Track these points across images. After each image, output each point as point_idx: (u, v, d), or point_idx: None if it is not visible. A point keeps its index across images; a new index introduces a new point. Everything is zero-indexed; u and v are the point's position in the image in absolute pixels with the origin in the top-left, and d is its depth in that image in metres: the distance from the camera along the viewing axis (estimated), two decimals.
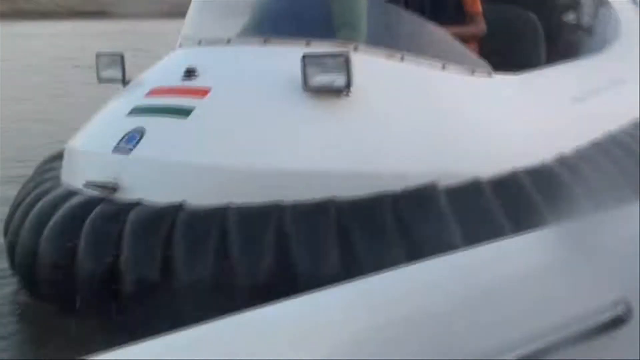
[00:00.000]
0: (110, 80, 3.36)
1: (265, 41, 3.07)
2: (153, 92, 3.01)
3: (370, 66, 2.98)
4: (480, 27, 3.90)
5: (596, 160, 3.16)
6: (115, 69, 3.34)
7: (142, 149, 2.76)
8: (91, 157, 2.91)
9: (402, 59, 3.03)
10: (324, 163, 2.65)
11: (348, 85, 2.74)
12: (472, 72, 3.17)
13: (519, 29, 4.09)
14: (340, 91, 2.78)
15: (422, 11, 4.00)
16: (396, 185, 2.65)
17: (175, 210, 2.60)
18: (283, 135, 2.72)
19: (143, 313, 2.51)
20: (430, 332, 1.12)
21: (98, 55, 3.43)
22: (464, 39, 3.84)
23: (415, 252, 2.55)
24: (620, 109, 3.55)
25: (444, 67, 3.09)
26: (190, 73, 2.99)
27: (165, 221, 2.56)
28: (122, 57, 3.33)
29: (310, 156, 2.67)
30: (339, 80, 2.73)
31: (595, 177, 3.07)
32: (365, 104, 2.82)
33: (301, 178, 2.62)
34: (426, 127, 2.86)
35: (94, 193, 2.77)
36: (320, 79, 2.75)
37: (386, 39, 3.10)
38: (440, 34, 3.24)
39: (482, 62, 3.25)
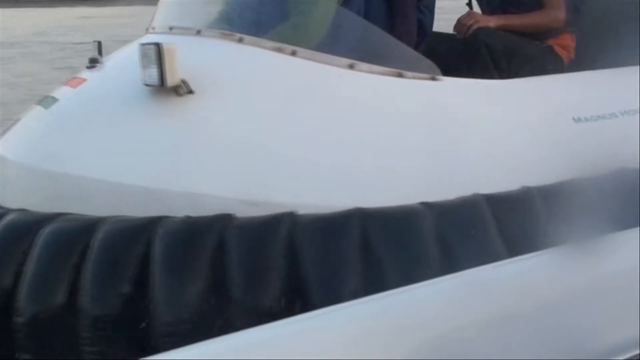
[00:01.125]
0: None
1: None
2: (67, 81, 2.87)
3: (246, 60, 2.48)
4: (552, 15, 3.03)
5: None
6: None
7: (2, 140, 2.64)
8: None
9: (293, 53, 2.45)
10: (111, 174, 2.27)
11: (161, 81, 2.30)
12: (399, 74, 2.45)
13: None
14: (176, 89, 2.35)
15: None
16: (184, 211, 2.18)
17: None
18: (96, 139, 2.39)
19: None
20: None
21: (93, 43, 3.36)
22: (537, 30, 3.04)
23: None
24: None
25: (351, 67, 2.43)
26: (92, 62, 2.79)
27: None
28: (99, 44, 3.22)
29: (100, 164, 2.30)
30: (153, 75, 2.31)
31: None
32: (203, 107, 2.35)
33: (84, 187, 2.29)
34: (271, 145, 2.28)
35: None
36: (147, 73, 2.36)
37: (278, 28, 2.54)
38: (360, 24, 2.55)
39: (427, 63, 2.49)
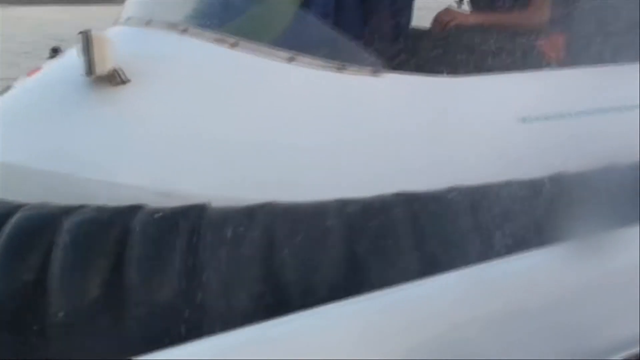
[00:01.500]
0: None
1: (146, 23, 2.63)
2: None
3: (184, 51, 2.45)
4: (534, 16, 2.92)
5: None
6: None
7: None
8: None
9: (234, 45, 2.41)
10: (37, 161, 2.27)
11: (90, 70, 2.28)
12: (340, 68, 2.38)
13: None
14: (109, 78, 2.34)
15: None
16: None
17: None
18: (27, 127, 2.39)
19: None
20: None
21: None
22: (518, 30, 2.92)
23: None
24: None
25: (291, 59, 2.37)
26: (54, 52, 2.81)
27: None
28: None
29: (27, 152, 2.31)
30: (81, 65, 2.31)
31: None
32: (133, 97, 2.33)
33: (12, 173, 2.30)
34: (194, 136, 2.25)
35: None
36: (81, 62, 2.35)
37: (222, 20, 2.49)
38: (303, 17, 2.49)
39: (370, 58, 2.41)
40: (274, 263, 1.99)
